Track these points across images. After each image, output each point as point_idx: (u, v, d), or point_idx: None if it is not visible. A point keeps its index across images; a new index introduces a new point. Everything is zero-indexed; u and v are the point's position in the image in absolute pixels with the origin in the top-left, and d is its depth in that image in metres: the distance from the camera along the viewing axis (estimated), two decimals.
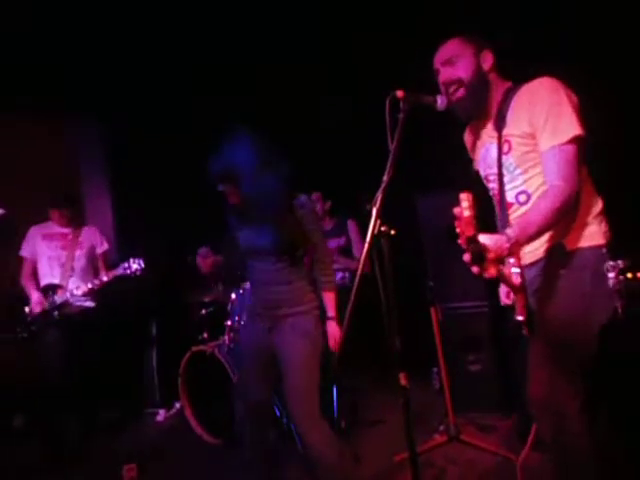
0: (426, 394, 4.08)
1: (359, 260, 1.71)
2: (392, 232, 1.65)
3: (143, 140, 5.18)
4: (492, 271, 1.54)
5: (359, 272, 1.67)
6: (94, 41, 4.37)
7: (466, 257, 1.51)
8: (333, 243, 4.58)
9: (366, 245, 1.65)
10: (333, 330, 2.66)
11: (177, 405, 4.59)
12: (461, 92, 2.00)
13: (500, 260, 1.59)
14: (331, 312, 2.67)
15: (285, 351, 2.57)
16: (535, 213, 1.76)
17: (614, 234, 1.96)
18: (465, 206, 1.43)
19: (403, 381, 1.67)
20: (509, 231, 1.65)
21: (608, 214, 1.98)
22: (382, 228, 1.65)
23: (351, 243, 4.61)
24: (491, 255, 1.53)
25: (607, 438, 2.02)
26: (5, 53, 4.22)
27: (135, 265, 3.79)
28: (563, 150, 1.80)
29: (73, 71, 4.67)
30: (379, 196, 1.66)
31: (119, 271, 3.86)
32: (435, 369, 4.02)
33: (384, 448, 3.30)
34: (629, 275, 2.70)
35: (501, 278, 1.95)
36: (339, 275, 4.54)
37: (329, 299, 2.68)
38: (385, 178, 1.67)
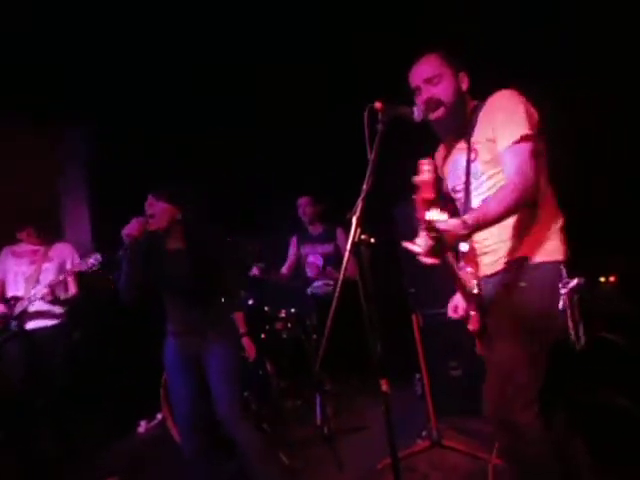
0: (408, 400, 4.05)
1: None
2: (372, 240, 1.66)
3: (125, 151, 5.14)
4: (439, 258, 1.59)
5: (340, 279, 1.68)
6: (92, 43, 4.38)
7: (426, 242, 1.53)
8: (320, 249, 4.62)
9: (346, 253, 1.67)
10: (247, 343, 3.12)
11: (159, 416, 4.56)
12: (441, 112, 2.05)
13: (453, 246, 1.66)
14: (242, 329, 3.09)
15: (213, 358, 2.83)
16: (493, 203, 1.81)
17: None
18: (425, 169, 1.46)
19: (384, 387, 1.68)
20: (466, 217, 1.68)
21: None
22: (362, 236, 1.66)
23: (339, 250, 4.57)
24: (449, 241, 1.58)
25: (565, 439, 2.02)
26: None
27: (91, 260, 3.66)
28: (517, 148, 1.87)
29: (63, 76, 4.68)
30: (359, 205, 1.68)
31: (75, 268, 3.77)
32: (417, 375, 4.00)
33: (367, 454, 3.28)
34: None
35: (458, 284, 1.97)
36: (320, 282, 4.54)
37: (239, 318, 3.09)
38: (364, 187, 1.70)
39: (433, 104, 2.04)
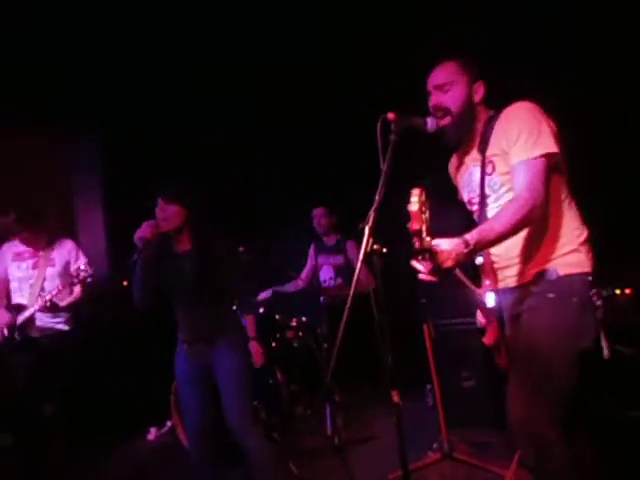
0: (420, 411, 4.04)
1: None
2: (384, 250, 1.66)
3: (139, 152, 5.14)
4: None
5: (352, 290, 1.68)
6: (93, 43, 4.37)
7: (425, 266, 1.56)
8: (332, 260, 4.64)
9: (359, 264, 1.67)
10: (255, 348, 3.01)
11: (168, 423, 4.52)
12: (447, 120, 2.03)
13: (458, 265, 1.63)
14: (251, 333, 3.02)
15: (223, 366, 2.84)
16: (497, 221, 1.79)
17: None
18: (414, 201, 1.46)
19: (395, 398, 1.68)
20: (468, 236, 1.66)
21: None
22: (374, 246, 1.66)
23: (349, 262, 4.57)
24: (448, 263, 1.58)
25: (587, 456, 2.02)
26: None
27: (82, 273, 3.59)
28: (532, 164, 1.84)
29: (71, 78, 4.67)
30: (371, 215, 1.68)
31: (67, 280, 3.66)
32: (428, 386, 3.98)
33: (377, 466, 3.25)
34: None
35: (474, 298, 1.97)
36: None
37: (249, 322, 3.03)
38: (377, 197, 1.70)
39: (440, 111, 2.03)
